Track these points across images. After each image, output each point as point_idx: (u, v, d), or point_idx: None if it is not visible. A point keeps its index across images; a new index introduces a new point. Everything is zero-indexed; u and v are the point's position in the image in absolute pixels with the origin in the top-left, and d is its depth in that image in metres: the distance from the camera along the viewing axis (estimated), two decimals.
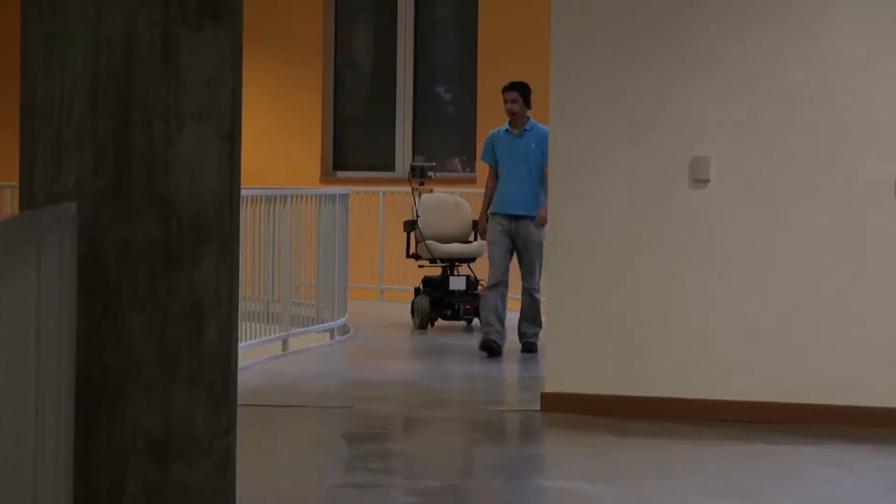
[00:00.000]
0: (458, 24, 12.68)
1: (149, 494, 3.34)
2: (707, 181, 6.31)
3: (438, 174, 10.41)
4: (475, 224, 9.39)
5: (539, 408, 6.43)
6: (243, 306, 6.30)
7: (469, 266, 9.57)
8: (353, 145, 12.91)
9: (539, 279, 8.16)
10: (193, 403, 3.35)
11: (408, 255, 9.83)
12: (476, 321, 9.17)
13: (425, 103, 12.45)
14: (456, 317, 9.37)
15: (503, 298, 8.19)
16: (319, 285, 9.22)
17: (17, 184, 3.45)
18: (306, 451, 5.96)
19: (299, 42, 12.05)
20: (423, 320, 9.39)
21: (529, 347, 8.27)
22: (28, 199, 3.28)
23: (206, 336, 3.34)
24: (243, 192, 3.78)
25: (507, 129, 8.22)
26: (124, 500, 3.31)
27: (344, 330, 9.48)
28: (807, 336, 6.28)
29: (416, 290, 9.65)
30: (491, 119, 9.67)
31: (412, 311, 9.64)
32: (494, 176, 8.23)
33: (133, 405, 3.32)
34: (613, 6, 6.62)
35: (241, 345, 4.21)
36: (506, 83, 8.22)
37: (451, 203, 9.83)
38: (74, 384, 3.20)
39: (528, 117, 8.23)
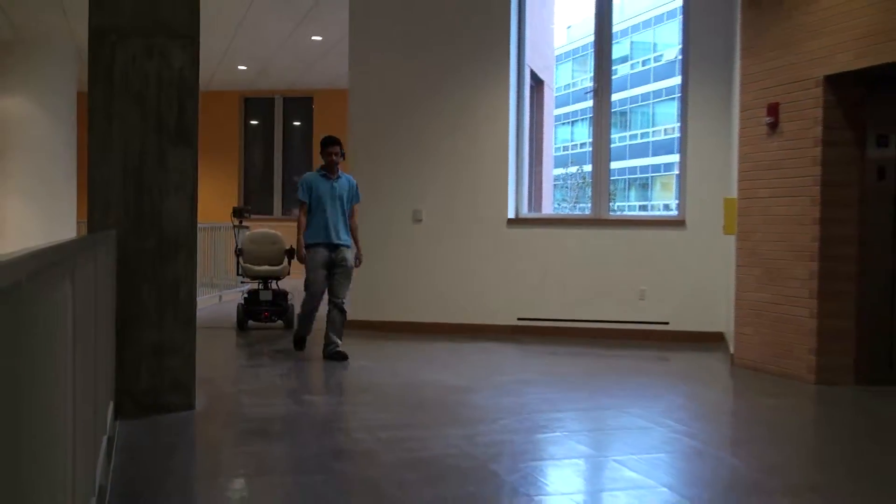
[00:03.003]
0: (304, 130, 19.39)
1: (152, 374, 6.16)
2: (421, 220, 10.30)
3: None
4: (288, 251, 10.89)
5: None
6: (200, 280, 10.90)
7: (276, 283, 10.92)
8: (253, 200, 19.04)
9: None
10: (174, 328, 6.17)
11: (237, 274, 11.39)
12: (282, 322, 10.77)
13: (289, 178, 19.20)
14: (259, 320, 10.63)
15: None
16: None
17: (85, 220, 6.21)
18: (230, 350, 9.29)
19: (223, 141, 18.88)
20: (239, 322, 10.63)
21: (341, 355, 8.51)
22: (91, 229, 6.09)
23: (181, 295, 6.19)
24: (199, 224, 6.59)
25: (323, 174, 8.57)
26: (140, 377, 6.12)
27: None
28: (470, 290, 9.67)
29: (240, 304, 10.91)
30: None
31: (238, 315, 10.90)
32: (308, 211, 8.52)
33: (144, 329, 6.12)
34: (384, 122, 10.74)
35: (199, 298, 6.90)
36: (325, 137, 8.75)
37: (270, 235, 11.20)
38: (115, 319, 5.92)
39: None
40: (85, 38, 6.24)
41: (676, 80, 14.34)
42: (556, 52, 25.68)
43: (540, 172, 13.05)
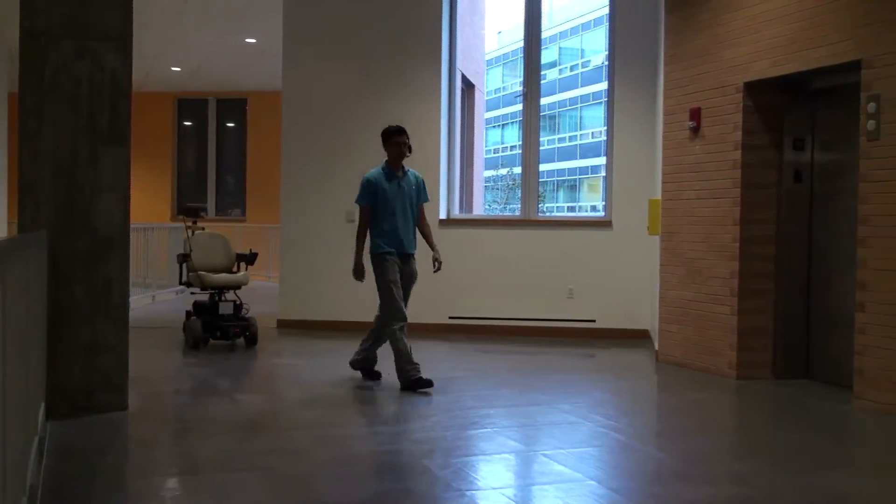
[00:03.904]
0: (238, 132, 19.23)
1: (84, 374, 6.03)
2: (354, 220, 9.65)
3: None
4: (239, 256, 9.45)
5: (275, 326, 10.56)
6: (133, 280, 10.17)
7: (235, 293, 9.29)
8: (187, 199, 18.40)
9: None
10: (106, 327, 6.05)
11: (180, 283, 9.69)
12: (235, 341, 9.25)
13: (223, 178, 19.34)
14: (226, 337, 9.08)
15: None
16: (171, 271, 12.60)
17: (16, 221, 6.05)
18: (164, 350, 8.92)
19: (157, 142, 18.63)
20: (196, 341, 8.89)
21: (378, 374, 7.37)
22: (21, 229, 5.93)
23: (113, 295, 6.09)
24: (133, 225, 6.46)
25: (387, 171, 7.20)
26: (73, 377, 5.99)
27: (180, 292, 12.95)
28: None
29: (188, 314, 9.30)
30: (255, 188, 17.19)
31: (184, 332, 9.33)
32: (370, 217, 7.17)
33: (77, 329, 5.99)
34: (318, 124, 10.70)
35: (132, 298, 6.76)
36: (391, 126, 7.31)
37: (220, 239, 9.63)
38: (47, 318, 5.76)
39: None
40: (16, 39, 6.10)
41: (603, 85, 14.50)
42: (487, 57, 25.81)
43: (471, 174, 13.10)
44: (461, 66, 11.25)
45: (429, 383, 6.87)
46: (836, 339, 7.24)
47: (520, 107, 10.95)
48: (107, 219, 6.07)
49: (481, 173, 16.15)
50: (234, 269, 9.49)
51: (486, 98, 27.81)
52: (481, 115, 15.51)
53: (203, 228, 9.81)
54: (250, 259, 9.47)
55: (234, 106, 19.01)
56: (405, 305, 7.10)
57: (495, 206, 34.03)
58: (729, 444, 5.83)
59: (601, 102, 40.45)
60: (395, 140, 7.16)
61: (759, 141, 7.68)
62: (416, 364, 6.90)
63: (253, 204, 18.44)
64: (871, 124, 6.45)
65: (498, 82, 51.55)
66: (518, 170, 11.98)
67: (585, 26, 50.35)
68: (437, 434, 5.67)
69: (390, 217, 7.13)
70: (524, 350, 9.36)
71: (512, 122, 47.28)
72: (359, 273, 7.13)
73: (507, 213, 23.00)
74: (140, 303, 12.65)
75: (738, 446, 5.80)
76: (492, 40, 47.79)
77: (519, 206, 10.94)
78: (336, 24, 10.68)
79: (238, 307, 9.19)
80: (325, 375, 7.69)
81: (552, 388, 7.32)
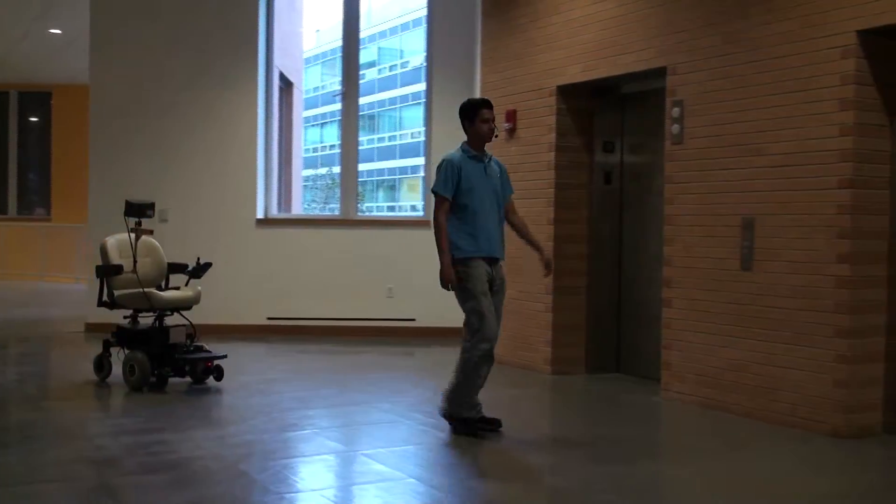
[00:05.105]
0: (42, 127, 18.45)
1: None
2: (167, 220, 9.91)
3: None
4: (171, 267, 7.48)
5: (83, 330, 9.21)
6: None
7: (183, 314, 7.28)
8: None
9: None
10: None
11: (100, 304, 7.29)
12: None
13: (25, 175, 18.49)
14: (181, 374, 7.03)
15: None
16: None
17: None
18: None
19: None
20: (143, 379, 6.86)
21: (493, 421, 5.78)
22: None
23: None
24: None
25: (472, 155, 5.74)
26: None
27: None
28: (218, 290, 9.55)
29: (107, 343, 7.28)
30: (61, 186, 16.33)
31: (97, 367, 7.29)
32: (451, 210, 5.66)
33: None
34: (128, 119, 10.20)
35: None
36: (476, 99, 5.91)
37: (146, 245, 7.37)
38: None
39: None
40: None
41: (422, 85, 14.66)
42: (306, 55, 25.60)
43: (289, 173, 12.94)
44: (279, 63, 11.10)
45: (495, 423, 5.72)
46: (645, 334, 7.56)
47: (339, 106, 10.91)
48: None
49: (300, 172, 15.98)
50: (163, 283, 7.48)
51: (305, 96, 27.55)
52: (300, 113, 15.34)
53: (151, 232, 7.47)
54: (197, 271, 7.40)
55: (37, 100, 18.05)
56: (498, 324, 5.66)
57: (315, 205, 33.79)
58: (544, 438, 5.98)
59: (420, 103, 40.87)
60: (485, 116, 5.72)
61: (572, 143, 7.93)
62: (479, 403, 5.73)
63: (59, 202, 17.56)
64: (675, 128, 6.76)
65: (317, 81, 51.23)
66: (337, 169, 11.94)
67: (405, 27, 50.73)
68: (255, 437, 5.57)
69: (477, 212, 5.64)
70: (344, 350, 9.33)
71: (331, 122, 47.08)
72: (452, 278, 5.55)
73: (327, 213, 22.89)
74: None
75: (552, 439, 5.96)
76: (310, 38, 47.45)
77: (338, 205, 10.90)
78: (147, 16, 10.32)
79: (192, 334, 7.23)
80: None
81: (372, 388, 7.32)
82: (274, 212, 10.66)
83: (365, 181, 48.04)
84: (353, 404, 6.64)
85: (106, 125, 10.34)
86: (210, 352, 7.20)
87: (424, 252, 10.35)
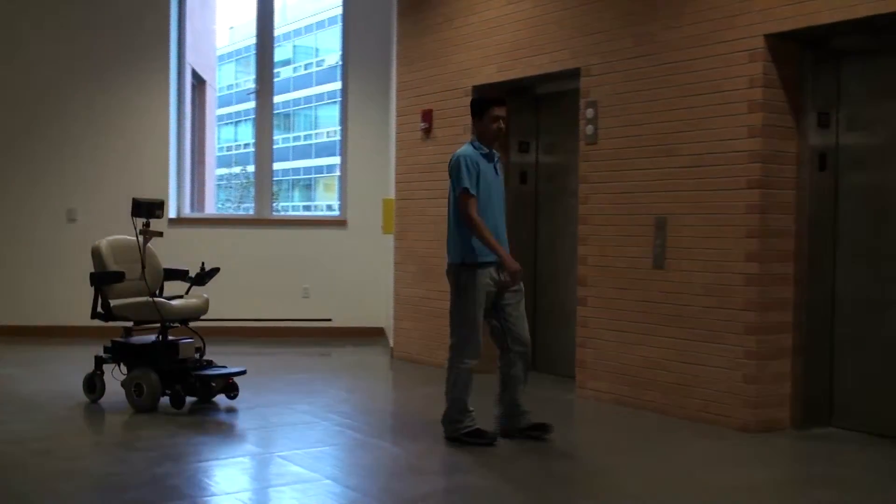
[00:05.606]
0: None
1: None
2: (76, 220, 9.66)
3: None
4: (168, 273, 6.80)
5: None
6: None
7: (188, 326, 6.68)
8: None
9: None
10: None
11: (93, 316, 6.59)
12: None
13: None
14: (192, 393, 6.38)
15: None
16: None
17: None
18: None
19: None
20: (153, 400, 6.26)
21: (543, 426, 5.60)
22: None
23: None
24: None
25: (483, 152, 5.48)
26: None
27: None
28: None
29: (99, 360, 6.62)
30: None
31: (88, 387, 6.60)
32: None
33: None
34: (29, 115, 9.83)
35: None
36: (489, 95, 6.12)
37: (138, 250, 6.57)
38: None
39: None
40: None
41: (338, 84, 14.61)
42: (219, 52, 25.29)
43: (203, 172, 12.75)
44: (191, 60, 10.92)
45: (545, 428, 5.56)
46: (561, 332, 7.63)
47: (253, 104, 10.80)
48: None
49: (214, 171, 15.78)
50: (158, 291, 6.76)
51: (219, 94, 27.26)
52: (213, 111, 15.17)
53: (161, 234, 6.69)
54: (202, 278, 6.77)
55: None
56: (525, 327, 5.53)
57: (229, 204, 33.39)
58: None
59: (336, 102, 40.68)
60: (495, 114, 5.48)
61: None
62: (472, 412, 5.52)
63: None
64: (589, 129, 6.85)
65: (231, 79, 50.57)
66: (252, 168, 11.82)
67: (320, 25, 50.37)
68: (167, 441, 5.47)
69: (489, 211, 5.39)
70: (259, 351, 9.22)
71: (245, 120, 46.52)
72: (517, 266, 5.40)
73: (241, 213, 22.65)
74: None
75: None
76: (224, 35, 46.85)
77: (253, 205, 10.78)
78: (52, 8, 10.06)
79: (201, 348, 6.67)
80: (47, 385, 7.25)
81: (288, 389, 7.26)
82: (187, 211, 10.50)
83: (280, 180, 47.57)
84: (268, 405, 6.56)
85: (6, 123, 10.07)
86: (225, 367, 6.58)
87: (341, 252, 10.38)
